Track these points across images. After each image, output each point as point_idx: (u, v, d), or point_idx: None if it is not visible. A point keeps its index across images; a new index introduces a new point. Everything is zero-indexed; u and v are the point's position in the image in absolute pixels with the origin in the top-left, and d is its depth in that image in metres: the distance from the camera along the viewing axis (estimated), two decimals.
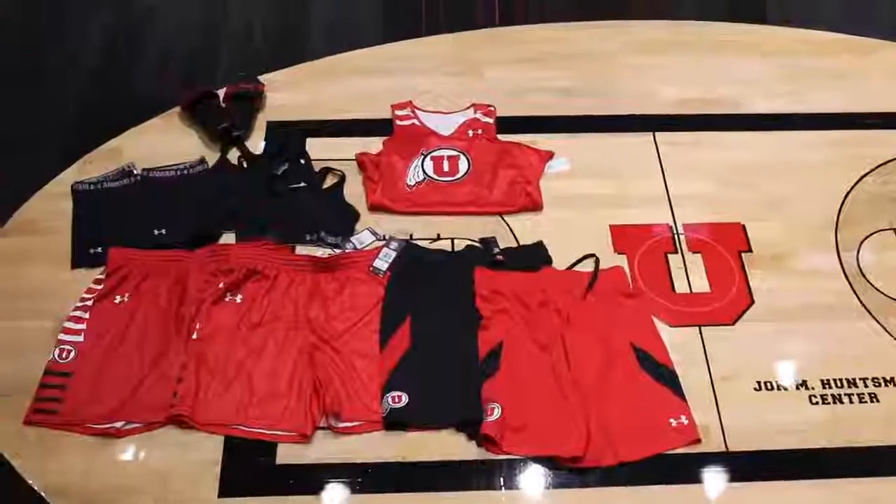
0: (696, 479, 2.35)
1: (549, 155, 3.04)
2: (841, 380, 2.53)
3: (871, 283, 2.75)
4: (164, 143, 3.04)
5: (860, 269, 2.79)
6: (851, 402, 2.49)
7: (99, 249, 2.70)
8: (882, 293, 2.73)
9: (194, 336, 2.48)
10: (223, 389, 2.40)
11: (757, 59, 3.46)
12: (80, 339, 2.50)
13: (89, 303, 2.57)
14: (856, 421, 2.45)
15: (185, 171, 2.93)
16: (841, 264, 2.80)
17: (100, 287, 2.60)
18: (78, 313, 2.55)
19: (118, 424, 2.35)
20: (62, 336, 2.50)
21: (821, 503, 2.31)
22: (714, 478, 2.35)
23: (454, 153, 3.02)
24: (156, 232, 2.75)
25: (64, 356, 2.46)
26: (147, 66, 3.45)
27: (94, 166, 2.94)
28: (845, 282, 2.76)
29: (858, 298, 2.72)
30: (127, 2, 3.77)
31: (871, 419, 2.46)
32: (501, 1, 3.76)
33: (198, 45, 3.56)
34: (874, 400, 2.50)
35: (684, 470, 2.36)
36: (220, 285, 2.57)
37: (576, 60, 3.42)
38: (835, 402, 2.49)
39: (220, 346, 2.48)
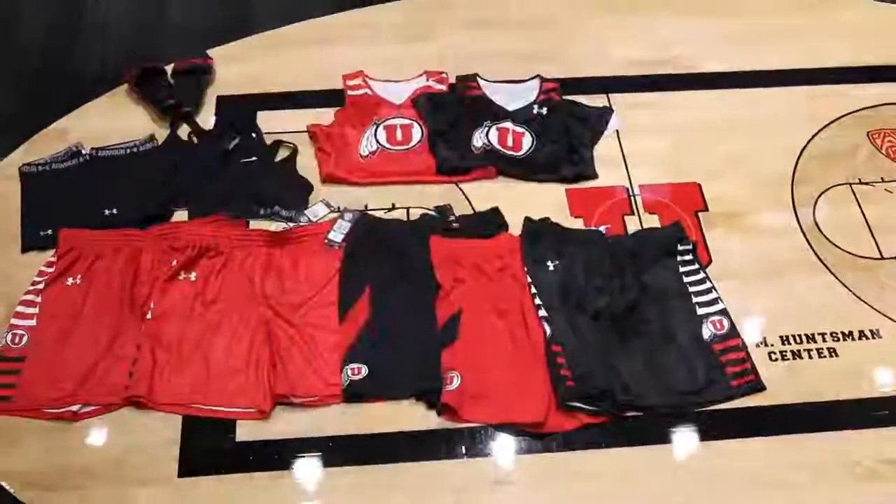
0: (660, 439, 2.37)
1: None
2: (800, 335, 2.56)
3: (827, 238, 2.78)
4: (112, 122, 3.02)
5: (816, 225, 2.82)
6: (811, 357, 2.52)
7: (49, 231, 2.68)
8: (839, 248, 2.76)
9: (148, 316, 2.47)
10: (179, 368, 2.40)
11: (710, 18, 3.47)
12: (33, 322, 2.49)
13: (41, 286, 2.56)
14: (815, 376, 2.48)
15: (135, 149, 2.92)
16: (797, 220, 2.84)
17: (51, 270, 2.58)
18: (30, 297, 2.54)
19: (74, 408, 2.34)
20: (14, 321, 2.49)
21: (785, 458, 2.34)
22: (679, 437, 2.38)
23: (407, 122, 3.02)
24: (106, 212, 2.74)
25: (16, 341, 2.45)
26: (91, 43, 3.41)
27: (42, 147, 2.92)
28: (802, 238, 2.79)
29: (815, 254, 2.75)
30: None
31: (830, 374, 2.48)
32: None
33: (143, 19, 3.53)
34: (833, 354, 2.52)
35: (648, 430, 2.38)
36: (174, 263, 2.57)
37: (529, 24, 3.43)
38: (794, 358, 2.52)
39: (174, 324, 2.47)
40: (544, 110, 3.08)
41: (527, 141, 2.99)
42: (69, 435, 2.33)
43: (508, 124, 3.03)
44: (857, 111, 3.12)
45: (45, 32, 3.48)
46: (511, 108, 3.09)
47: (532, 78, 3.17)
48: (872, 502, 2.29)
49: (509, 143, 2.96)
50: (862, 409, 2.42)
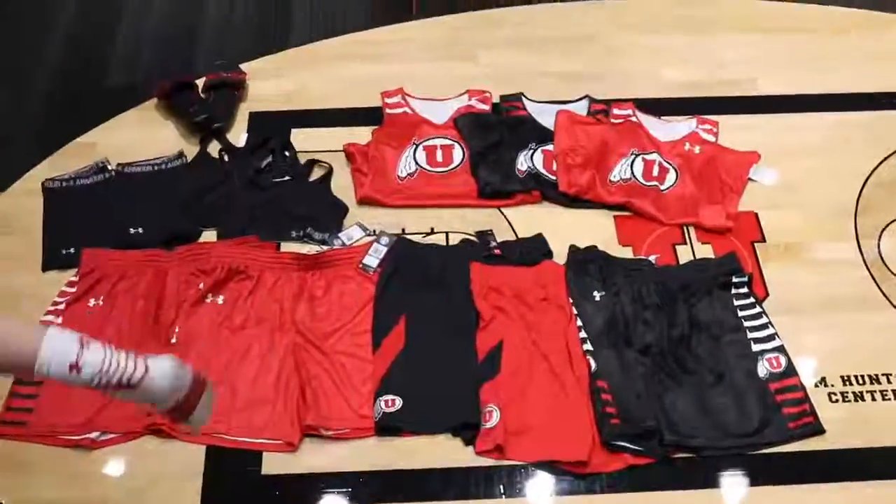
0: (710, 483, 2.33)
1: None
2: (862, 376, 2.51)
3: (892, 272, 2.73)
4: (141, 137, 3.03)
5: (881, 258, 2.77)
6: (874, 399, 2.47)
7: (72, 250, 2.68)
8: None
9: (173, 340, 2.46)
10: None
11: (765, 36, 3.43)
12: None
13: (61, 307, 2.56)
14: (878, 420, 2.43)
15: (163, 166, 2.92)
16: (860, 253, 2.79)
17: (72, 290, 2.58)
18: (49, 318, 2.53)
19: (93, 435, 2.33)
20: None
21: None
22: (729, 481, 2.33)
23: (448, 142, 3.00)
24: (132, 231, 2.73)
25: None
26: (122, 56, 3.42)
27: (68, 162, 2.92)
28: (866, 272, 2.74)
29: (879, 288, 2.70)
30: None
31: (893, 418, 2.43)
32: None
33: (175, 32, 3.54)
34: None
35: (697, 473, 2.34)
36: (201, 286, 2.56)
37: (575, 43, 3.41)
38: (856, 400, 2.47)
39: (200, 350, 2.46)
40: None
41: None
42: (88, 464, 2.31)
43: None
44: None
45: (76, 43, 3.50)
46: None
47: (580, 98, 3.14)
48: None
49: (554, 166, 2.92)
50: None
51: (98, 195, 2.84)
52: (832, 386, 2.50)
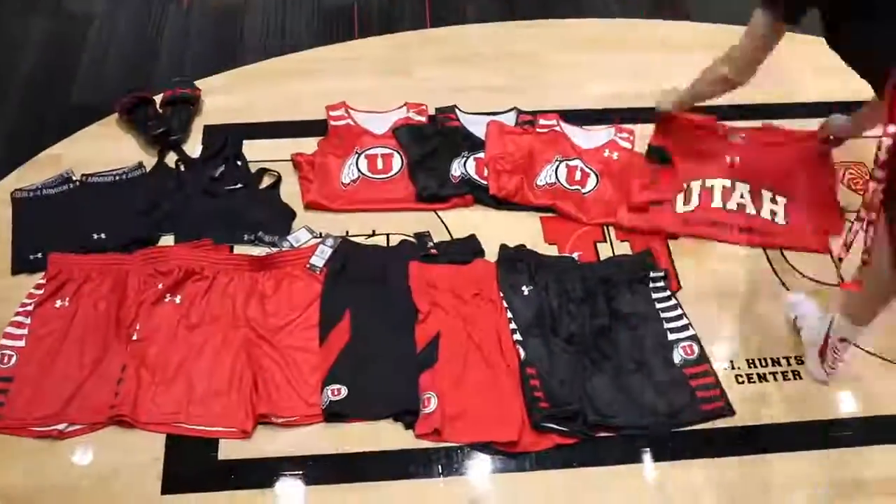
0: (630, 459, 2.36)
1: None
2: (765, 359, 2.56)
3: (791, 265, 2.78)
4: (103, 149, 3.01)
5: (782, 253, 2.82)
6: (776, 380, 2.51)
7: (39, 255, 2.66)
8: (802, 274, 2.76)
9: (134, 337, 2.45)
10: (164, 389, 2.38)
11: (669, 54, 3.47)
12: (22, 343, 2.47)
13: (30, 308, 2.54)
14: (779, 398, 2.48)
15: (124, 176, 2.90)
16: (763, 248, 2.84)
17: (40, 292, 2.56)
18: (19, 318, 2.52)
19: (60, 427, 2.32)
20: (3, 342, 2.47)
21: (750, 477, 2.33)
22: (648, 457, 2.36)
23: (388, 151, 3.01)
24: (95, 236, 2.72)
25: (5, 361, 2.43)
26: (84, 73, 3.39)
27: (34, 173, 2.90)
28: (768, 264, 2.79)
29: (780, 280, 2.75)
30: (62, 9, 3.71)
31: (794, 396, 2.48)
32: (431, 4, 3.74)
33: (134, 51, 3.51)
34: (797, 377, 2.52)
35: (619, 451, 2.37)
36: (159, 287, 2.55)
37: (504, 59, 3.43)
38: (760, 381, 2.51)
39: (159, 346, 2.45)
40: None
41: None
42: (55, 453, 2.30)
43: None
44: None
45: (41, 61, 3.46)
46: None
47: (509, 110, 3.16)
48: None
49: (485, 172, 2.94)
50: (824, 430, 2.42)
51: (63, 203, 2.83)
52: (739, 368, 2.54)
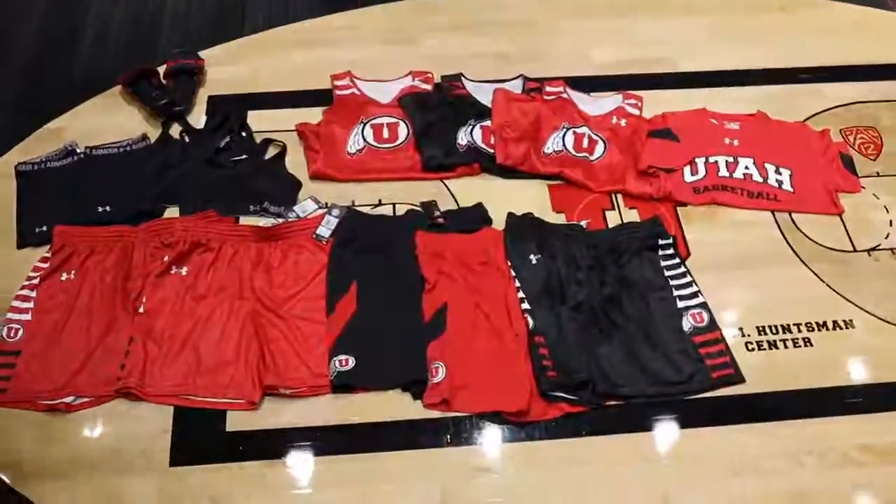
0: (640, 427, 2.34)
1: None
2: (775, 326, 2.52)
3: (801, 231, 2.74)
4: (107, 122, 2.98)
5: (791, 217, 2.78)
6: (787, 347, 2.48)
7: (44, 228, 2.64)
8: (812, 241, 2.72)
9: (140, 310, 2.43)
10: (170, 361, 2.35)
11: (684, 18, 3.44)
12: (28, 317, 2.45)
13: (36, 281, 2.51)
14: (790, 366, 2.45)
15: (128, 148, 2.87)
16: (773, 213, 2.80)
17: (46, 265, 2.54)
18: (25, 292, 2.49)
19: (68, 399, 2.30)
20: (10, 315, 2.44)
21: (760, 445, 2.30)
22: (658, 425, 2.34)
23: (393, 120, 2.97)
24: (100, 209, 2.69)
25: (12, 335, 2.41)
26: (86, 45, 3.37)
27: (38, 147, 2.87)
28: (777, 231, 2.75)
29: (790, 245, 2.71)
30: None
31: (805, 363, 2.45)
32: None
33: (136, 21, 3.49)
34: (808, 344, 2.49)
35: (628, 419, 2.35)
36: (165, 259, 2.52)
37: (509, 26, 3.39)
38: (770, 349, 2.48)
39: (166, 318, 2.43)
40: None
41: None
42: (64, 426, 2.28)
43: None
44: (830, 109, 3.07)
45: (43, 34, 3.44)
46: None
47: (515, 77, 3.12)
48: (843, 488, 2.25)
49: (492, 140, 2.90)
50: (837, 397, 2.39)
51: (68, 176, 2.79)
52: (749, 336, 2.51)
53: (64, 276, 2.53)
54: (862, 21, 3.41)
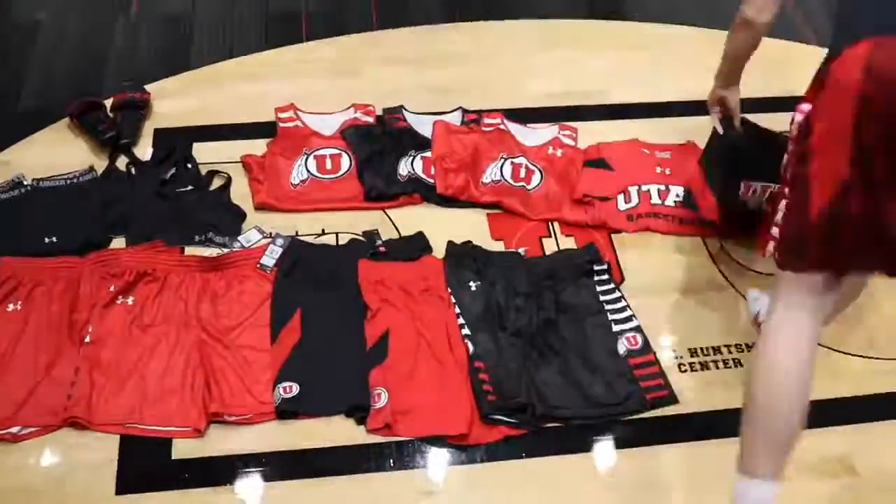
0: (578, 448, 2.36)
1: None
2: (706, 348, 2.57)
3: (731, 257, 2.79)
4: (54, 154, 2.97)
5: (720, 244, 2.83)
6: (717, 367, 2.52)
7: None
8: (741, 264, 2.76)
9: (87, 340, 2.41)
10: (117, 390, 2.34)
11: (613, 53, 3.48)
12: None
13: None
14: (720, 385, 2.49)
15: (75, 180, 2.85)
16: (703, 239, 2.84)
17: None
18: None
19: (14, 430, 2.27)
20: None
21: (694, 462, 2.33)
22: (595, 446, 2.37)
23: (336, 152, 2.98)
24: (46, 240, 2.67)
25: None
26: (33, 79, 3.34)
27: None
28: (708, 256, 2.80)
29: (720, 271, 2.76)
30: (10, 15, 3.64)
31: (735, 383, 2.47)
32: (378, 6, 3.72)
33: (83, 55, 3.46)
34: (738, 365, 2.53)
35: (566, 441, 2.36)
36: (112, 289, 2.51)
37: (448, 59, 3.42)
38: (702, 369, 2.52)
39: (112, 348, 2.41)
40: None
41: None
42: (9, 456, 2.25)
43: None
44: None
45: None
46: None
47: (455, 110, 3.14)
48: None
49: (432, 171, 2.92)
50: None
51: (15, 208, 2.77)
52: (681, 357, 2.54)
53: (10, 307, 2.50)
54: (785, 55, 3.46)
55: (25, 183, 2.82)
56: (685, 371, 2.51)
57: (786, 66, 3.26)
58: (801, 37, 3.70)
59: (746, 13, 2.36)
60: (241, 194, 2.87)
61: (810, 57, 3.33)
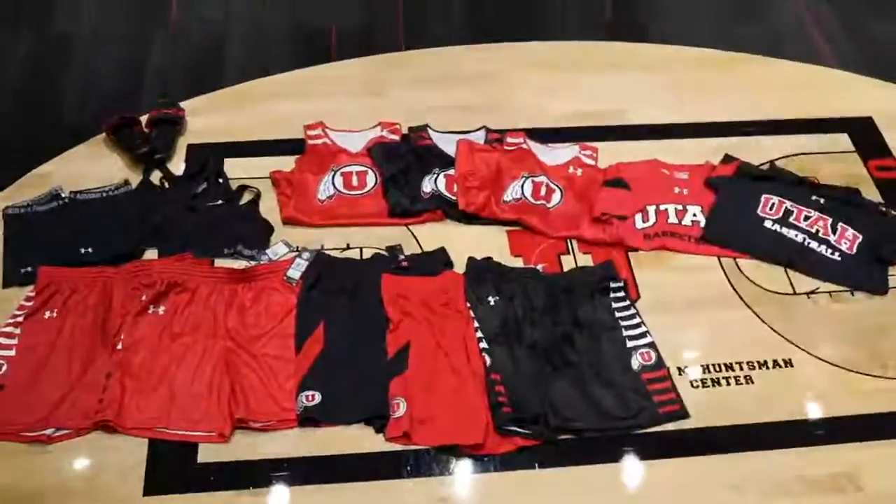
0: (590, 460, 2.40)
1: None
2: (719, 364, 2.60)
3: (744, 275, 2.82)
4: (90, 168, 3.04)
5: (735, 262, 2.86)
6: (728, 384, 2.55)
7: (29, 269, 2.69)
8: (755, 284, 2.79)
9: (119, 347, 2.48)
10: (147, 395, 2.41)
11: (633, 73, 3.52)
12: (12, 353, 2.50)
13: (20, 318, 2.56)
14: (732, 402, 2.52)
15: (110, 193, 2.92)
16: (718, 259, 2.87)
17: (30, 304, 2.59)
18: (9, 329, 2.54)
19: (48, 431, 2.35)
20: None
21: (706, 476, 2.37)
22: (607, 458, 2.40)
23: (362, 169, 3.03)
24: (82, 251, 2.74)
25: None
26: (71, 95, 3.41)
27: (25, 191, 2.93)
28: (723, 274, 2.83)
29: (734, 289, 2.79)
30: (47, 29, 3.72)
31: (748, 399, 2.53)
32: (405, 27, 3.78)
33: (121, 71, 3.53)
34: (749, 381, 2.56)
35: (579, 453, 2.41)
36: (143, 298, 2.58)
37: (473, 79, 3.47)
38: (713, 386, 2.55)
39: (143, 355, 2.48)
40: None
41: None
42: (43, 456, 2.33)
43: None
44: (775, 159, 3.14)
45: (29, 83, 3.48)
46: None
47: (478, 129, 3.19)
48: None
49: (455, 188, 2.97)
50: (777, 431, 2.46)
51: (53, 220, 2.85)
52: (694, 374, 2.58)
53: (47, 315, 2.57)
54: (802, 77, 3.50)
55: (63, 195, 2.90)
56: (697, 387, 2.55)
57: (804, 88, 3.31)
58: (817, 60, 3.72)
59: None
60: (269, 208, 2.93)
61: (827, 78, 3.41)
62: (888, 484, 2.39)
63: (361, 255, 2.81)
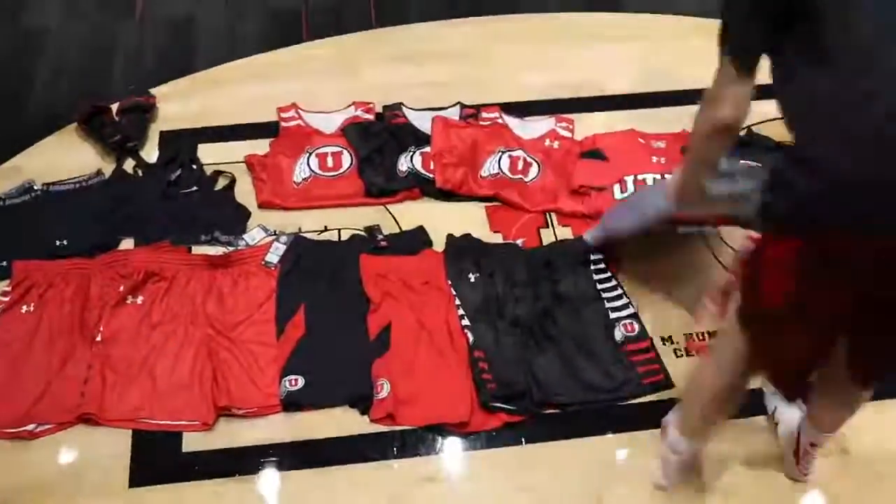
0: (577, 433, 2.40)
1: None
2: (701, 333, 2.61)
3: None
4: (63, 159, 3.02)
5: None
6: None
7: (3, 263, 2.67)
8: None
9: (98, 339, 2.47)
10: (128, 386, 2.40)
11: (607, 44, 3.52)
12: None
13: None
14: None
15: (84, 184, 2.91)
16: (699, 227, 2.84)
17: (6, 299, 2.57)
18: None
19: (30, 427, 2.34)
20: None
21: None
22: (592, 430, 2.41)
23: (337, 149, 3.02)
24: (57, 243, 2.73)
25: None
26: (40, 85, 3.38)
27: None
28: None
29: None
30: (15, 22, 3.68)
31: None
32: (377, 5, 3.76)
33: (89, 60, 3.50)
34: None
35: (567, 426, 2.41)
36: (121, 289, 2.56)
37: (446, 56, 3.46)
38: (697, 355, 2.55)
39: (123, 346, 2.47)
40: None
41: None
42: (27, 453, 2.32)
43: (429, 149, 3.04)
44: (756, 123, 3.12)
45: None
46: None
47: (453, 105, 3.18)
48: (770, 480, 2.34)
49: (432, 166, 2.96)
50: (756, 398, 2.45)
51: (26, 212, 2.84)
52: (677, 343, 2.58)
53: (24, 309, 2.56)
54: None
55: (35, 188, 2.88)
56: (681, 356, 2.55)
57: None
58: None
59: (725, 116, 1.88)
60: (245, 193, 2.92)
61: None
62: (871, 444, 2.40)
63: (339, 237, 2.81)
